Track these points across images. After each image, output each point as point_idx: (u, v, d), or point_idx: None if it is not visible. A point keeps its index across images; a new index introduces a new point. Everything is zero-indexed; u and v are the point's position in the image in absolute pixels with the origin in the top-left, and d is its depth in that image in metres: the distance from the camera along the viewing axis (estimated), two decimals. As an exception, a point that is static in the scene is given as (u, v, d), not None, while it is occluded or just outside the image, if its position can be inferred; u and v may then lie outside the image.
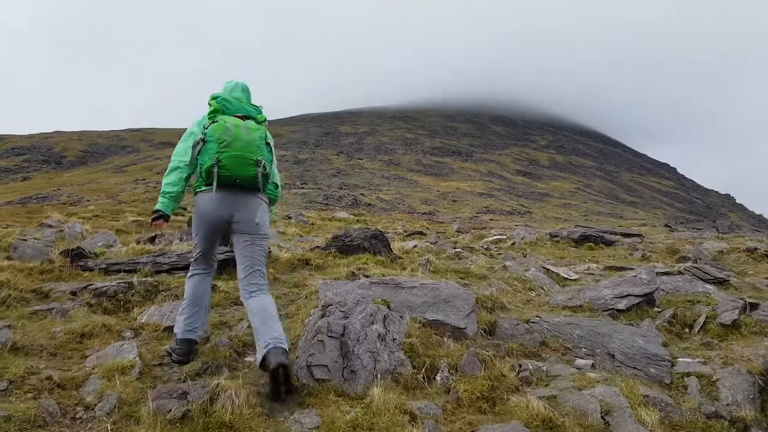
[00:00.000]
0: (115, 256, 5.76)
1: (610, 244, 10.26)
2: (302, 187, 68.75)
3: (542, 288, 5.82)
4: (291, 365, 3.07)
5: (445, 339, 3.93)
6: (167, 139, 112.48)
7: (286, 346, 3.08)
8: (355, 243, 6.21)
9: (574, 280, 6.24)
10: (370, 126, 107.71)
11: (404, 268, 6.00)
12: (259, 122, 3.45)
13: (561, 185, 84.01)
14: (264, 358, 3.00)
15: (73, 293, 4.48)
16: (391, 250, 6.40)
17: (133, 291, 4.55)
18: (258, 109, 3.54)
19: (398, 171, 70.27)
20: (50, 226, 8.83)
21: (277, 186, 3.63)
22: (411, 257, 7.17)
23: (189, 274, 3.57)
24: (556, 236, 10.44)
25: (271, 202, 3.60)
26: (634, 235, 12.15)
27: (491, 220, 63.11)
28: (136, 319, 4.11)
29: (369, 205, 46.88)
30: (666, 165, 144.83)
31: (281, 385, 2.92)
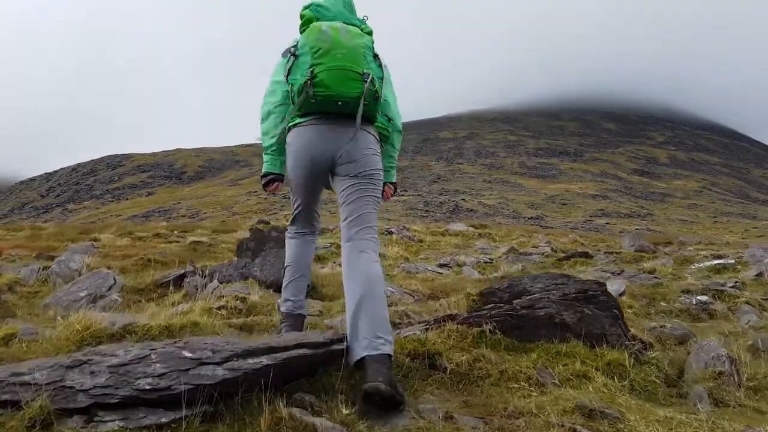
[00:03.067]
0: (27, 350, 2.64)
1: None
2: (402, 195, 66.54)
3: None
4: (395, 385, 1.92)
5: None
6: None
7: (391, 350, 2.08)
8: (540, 312, 2.62)
9: None
10: (470, 130, 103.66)
11: (683, 396, 2.32)
12: (364, 32, 2.45)
13: (684, 184, 74.60)
14: (362, 365, 2.01)
15: None
16: (626, 328, 2.67)
17: None
18: (362, 21, 2.55)
19: (500, 174, 66.03)
20: (50, 257, 6.16)
21: (390, 119, 2.57)
22: (643, 327, 3.43)
23: (287, 237, 2.68)
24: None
25: (382, 139, 2.55)
26: None
27: (607, 224, 56.99)
28: None
29: (470, 210, 43.12)
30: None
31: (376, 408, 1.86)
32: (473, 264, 7.30)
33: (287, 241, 2.70)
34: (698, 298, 4.32)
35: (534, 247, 8.90)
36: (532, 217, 50.00)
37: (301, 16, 2.52)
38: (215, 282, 4.68)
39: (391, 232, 9.97)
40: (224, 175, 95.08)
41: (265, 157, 2.57)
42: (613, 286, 4.36)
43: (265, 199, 65.57)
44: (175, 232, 10.33)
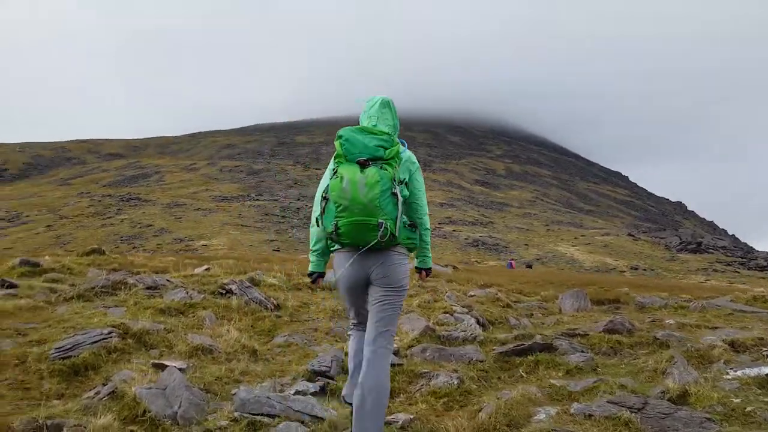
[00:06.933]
0: None
1: None
2: (257, 199, 61.53)
3: None
4: None
5: None
6: (116, 150, 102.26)
7: None
8: None
9: None
10: (327, 136, 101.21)
11: None
12: (386, 160, 2.78)
13: (519, 194, 79.87)
14: None
15: None
16: None
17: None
18: (387, 140, 2.82)
19: (357, 181, 63.84)
20: None
21: (413, 229, 2.96)
22: None
23: (350, 330, 3.25)
24: None
25: (409, 249, 3.01)
26: None
27: (454, 231, 57.31)
28: None
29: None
30: (618, 173, 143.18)
31: None
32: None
33: (351, 334, 3.22)
34: None
35: (448, 313, 5.90)
36: (387, 224, 48.27)
37: (336, 145, 2.89)
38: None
39: (230, 292, 5.95)
40: (53, 174, 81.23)
41: (311, 257, 3.05)
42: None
43: (99, 201, 55.99)
44: None
